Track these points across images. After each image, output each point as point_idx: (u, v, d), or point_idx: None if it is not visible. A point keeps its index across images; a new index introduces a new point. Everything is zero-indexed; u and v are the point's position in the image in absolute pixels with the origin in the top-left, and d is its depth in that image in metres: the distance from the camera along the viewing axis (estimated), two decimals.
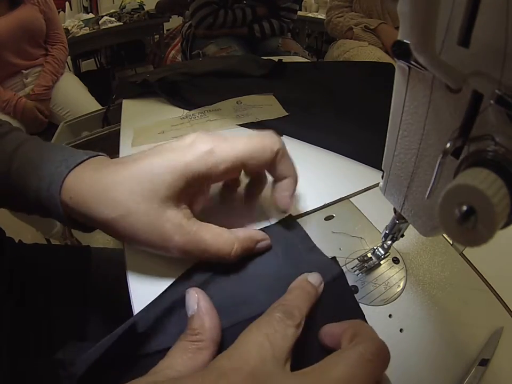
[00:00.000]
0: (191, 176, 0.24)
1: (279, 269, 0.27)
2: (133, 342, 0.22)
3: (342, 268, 0.27)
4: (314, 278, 0.24)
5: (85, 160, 0.26)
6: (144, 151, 0.26)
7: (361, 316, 0.24)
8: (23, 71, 1.16)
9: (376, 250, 0.28)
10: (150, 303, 0.24)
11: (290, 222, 0.30)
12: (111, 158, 0.29)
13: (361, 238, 0.31)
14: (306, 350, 0.21)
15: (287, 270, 0.26)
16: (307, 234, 0.30)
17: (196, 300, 0.22)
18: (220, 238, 0.25)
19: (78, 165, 0.26)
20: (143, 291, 0.26)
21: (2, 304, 0.33)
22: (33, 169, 0.26)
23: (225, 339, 0.21)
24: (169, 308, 0.24)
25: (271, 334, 0.18)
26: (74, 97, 1.24)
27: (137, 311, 0.25)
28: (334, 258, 0.28)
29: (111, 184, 0.24)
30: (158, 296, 0.24)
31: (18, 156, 0.27)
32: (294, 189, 0.29)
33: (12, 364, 0.30)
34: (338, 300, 0.25)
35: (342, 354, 0.18)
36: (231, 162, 0.25)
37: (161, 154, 0.24)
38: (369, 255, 0.28)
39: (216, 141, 0.25)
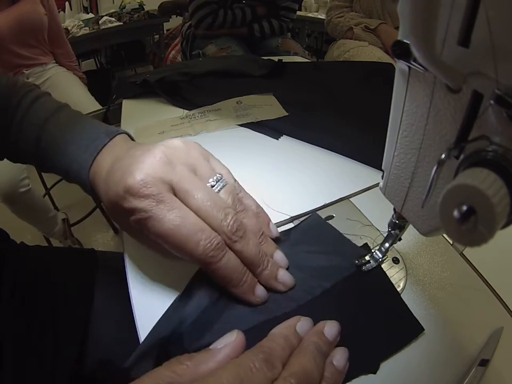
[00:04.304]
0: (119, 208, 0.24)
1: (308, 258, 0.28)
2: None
3: None
4: (304, 325, 0.21)
5: (106, 144, 0.29)
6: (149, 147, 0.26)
7: (400, 301, 0.25)
8: (24, 71, 1.15)
9: (374, 253, 0.28)
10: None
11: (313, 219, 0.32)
12: None
13: (361, 238, 0.31)
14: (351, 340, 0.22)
15: (317, 260, 0.28)
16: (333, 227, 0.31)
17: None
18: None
19: (100, 151, 0.29)
20: (144, 292, 0.26)
21: (7, 305, 0.34)
22: (60, 152, 0.30)
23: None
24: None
25: (246, 381, 0.17)
26: (74, 96, 1.23)
27: (137, 311, 0.25)
28: (365, 244, 0.30)
29: (115, 170, 0.26)
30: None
31: (45, 136, 0.30)
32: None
33: (16, 364, 0.30)
34: (376, 288, 0.26)
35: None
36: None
37: (129, 160, 0.25)
38: (367, 258, 0.28)
39: (157, 190, 0.23)
